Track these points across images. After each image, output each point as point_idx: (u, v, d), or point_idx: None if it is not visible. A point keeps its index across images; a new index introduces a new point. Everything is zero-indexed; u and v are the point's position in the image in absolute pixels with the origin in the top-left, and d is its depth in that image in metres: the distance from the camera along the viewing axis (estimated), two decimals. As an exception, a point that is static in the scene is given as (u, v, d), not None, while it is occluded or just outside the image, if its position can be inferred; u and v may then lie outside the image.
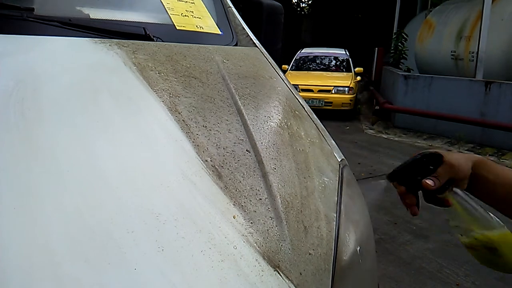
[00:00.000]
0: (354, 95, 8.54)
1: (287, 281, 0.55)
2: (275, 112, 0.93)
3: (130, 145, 0.64)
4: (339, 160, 0.91)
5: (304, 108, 1.03)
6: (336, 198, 0.77)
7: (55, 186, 0.51)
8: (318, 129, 0.98)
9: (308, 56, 10.09)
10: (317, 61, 9.95)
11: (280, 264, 0.56)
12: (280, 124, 0.89)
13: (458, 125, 6.15)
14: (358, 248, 0.72)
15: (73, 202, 0.50)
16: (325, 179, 0.80)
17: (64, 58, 0.79)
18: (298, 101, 1.05)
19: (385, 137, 6.91)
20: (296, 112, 0.98)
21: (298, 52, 10.30)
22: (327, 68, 9.73)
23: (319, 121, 1.03)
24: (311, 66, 9.82)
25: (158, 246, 0.50)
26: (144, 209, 0.54)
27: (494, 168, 0.74)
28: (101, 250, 0.47)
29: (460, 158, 0.74)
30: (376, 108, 8.04)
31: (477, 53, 6.57)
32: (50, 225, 0.47)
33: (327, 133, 1.00)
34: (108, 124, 0.66)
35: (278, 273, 0.56)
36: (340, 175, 0.85)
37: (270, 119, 0.89)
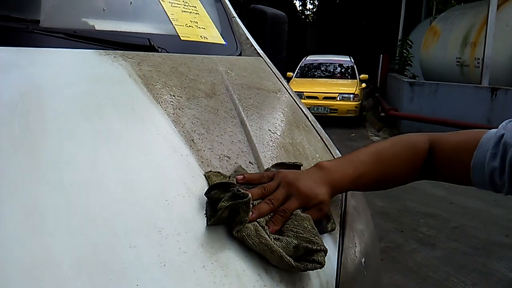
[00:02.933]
0: (360, 102, 8.53)
1: (290, 296, 0.55)
2: (278, 123, 0.92)
3: (134, 158, 0.64)
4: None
5: (308, 119, 1.03)
6: (340, 210, 0.76)
7: (58, 200, 0.52)
8: (323, 139, 0.97)
9: (313, 63, 10.11)
10: (322, 68, 9.97)
11: (281, 279, 0.56)
12: (284, 135, 0.89)
13: (464, 132, 6.10)
14: (363, 260, 0.72)
15: (76, 216, 0.50)
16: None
17: (69, 71, 0.80)
18: (302, 111, 1.05)
19: (391, 144, 6.89)
20: (301, 123, 0.98)
21: (303, 60, 10.32)
22: (332, 75, 9.75)
23: (323, 131, 1.03)
24: (316, 73, 9.84)
25: (160, 261, 0.50)
26: (147, 223, 0.53)
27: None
28: (104, 265, 0.47)
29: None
30: (381, 115, 8.03)
31: (483, 59, 6.55)
32: (53, 239, 0.47)
33: (332, 143, 1.00)
34: (112, 137, 0.66)
35: None
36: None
37: (274, 130, 0.89)
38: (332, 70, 9.93)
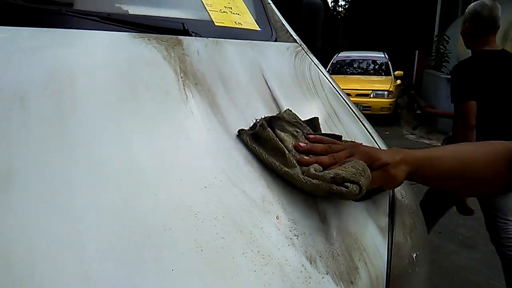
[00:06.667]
0: (394, 99, 8.29)
1: (338, 289, 0.50)
2: (317, 108, 0.87)
3: (168, 140, 0.60)
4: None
5: (349, 105, 0.97)
6: (388, 200, 0.70)
7: (89, 180, 0.48)
8: (366, 127, 0.91)
9: (345, 60, 9.91)
10: (355, 65, 9.75)
11: (328, 270, 0.51)
12: (324, 120, 0.83)
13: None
14: (414, 255, 0.65)
15: (107, 197, 0.47)
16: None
17: (102, 52, 0.77)
18: (342, 98, 0.99)
19: (428, 142, 6.65)
20: (341, 109, 0.92)
21: (335, 56, 10.15)
22: (365, 72, 9.52)
23: (366, 120, 0.97)
24: (348, 70, 9.63)
25: (197, 246, 0.45)
26: (182, 206, 0.49)
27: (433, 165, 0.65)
28: (135, 248, 0.43)
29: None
30: (417, 112, 7.77)
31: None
32: (82, 219, 0.44)
33: (375, 132, 0.93)
34: (146, 117, 0.63)
35: (327, 280, 0.50)
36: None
37: (312, 115, 0.83)
38: (365, 66, 9.70)
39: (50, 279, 0.38)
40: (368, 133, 0.89)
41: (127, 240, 0.43)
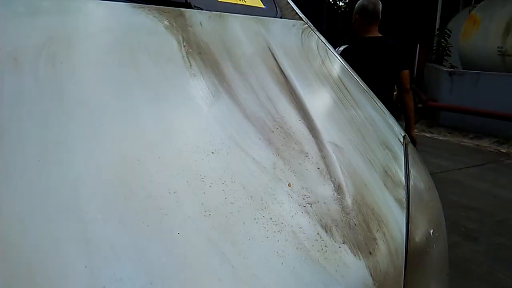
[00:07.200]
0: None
1: (357, 260, 0.46)
2: (325, 79, 0.83)
3: (172, 104, 0.56)
4: (402, 135, 0.80)
5: (359, 82, 0.93)
6: (404, 176, 0.67)
7: (87, 140, 0.44)
8: (377, 104, 0.87)
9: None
10: (356, 59, 9.68)
11: (345, 239, 0.47)
12: (335, 96, 0.79)
13: (507, 124, 5.79)
14: (431, 231, 0.62)
15: (107, 157, 0.43)
16: (389, 153, 0.69)
17: (101, 19, 0.73)
18: (351, 74, 0.95)
19: (429, 136, 6.61)
20: (349, 81, 0.88)
21: (336, 50, 10.08)
22: (366, 66, 9.45)
23: (376, 97, 0.93)
24: (349, 64, 9.56)
25: (205, 210, 0.42)
26: (188, 169, 0.46)
27: None
28: (138, 209, 0.39)
29: None
30: (419, 105, 7.73)
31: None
32: (79, 179, 0.40)
33: (386, 109, 0.90)
34: (148, 82, 0.59)
35: (344, 250, 0.46)
36: (405, 151, 0.74)
37: (322, 89, 0.80)
38: (365, 60, 9.63)
39: (46, 241, 0.35)
40: (378, 106, 0.86)
41: (129, 202, 0.40)
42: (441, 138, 6.46)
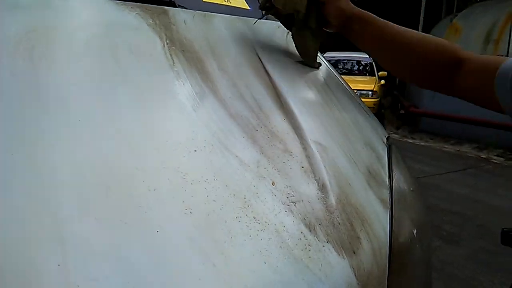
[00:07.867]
0: (378, 99, 8.35)
1: (340, 259, 0.45)
2: (310, 79, 0.83)
3: (153, 101, 0.55)
4: (386, 136, 0.80)
5: (343, 84, 0.93)
6: (387, 176, 0.66)
7: (63, 135, 0.43)
8: (361, 105, 0.87)
9: (331, 60, 9.93)
10: (340, 65, 9.79)
11: (329, 238, 0.46)
12: (320, 96, 0.79)
13: (488, 130, 5.92)
14: (414, 231, 0.62)
15: (84, 153, 0.42)
16: (373, 153, 0.69)
17: (83, 15, 0.71)
18: (336, 75, 0.95)
19: (411, 141, 6.71)
20: (335, 86, 0.88)
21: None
22: (350, 72, 9.56)
23: (360, 99, 0.93)
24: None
25: (186, 208, 0.40)
26: (169, 167, 0.44)
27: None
28: (116, 207, 0.38)
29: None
30: (401, 112, 7.84)
31: (507, 56, 6.33)
32: (55, 176, 0.38)
33: (370, 111, 0.90)
34: (129, 78, 0.58)
35: (328, 249, 0.46)
36: (389, 152, 0.74)
37: (307, 90, 0.79)
38: (350, 67, 9.74)
39: (19, 241, 0.33)
40: (362, 107, 0.86)
41: (106, 199, 0.38)
42: (422, 143, 6.57)
